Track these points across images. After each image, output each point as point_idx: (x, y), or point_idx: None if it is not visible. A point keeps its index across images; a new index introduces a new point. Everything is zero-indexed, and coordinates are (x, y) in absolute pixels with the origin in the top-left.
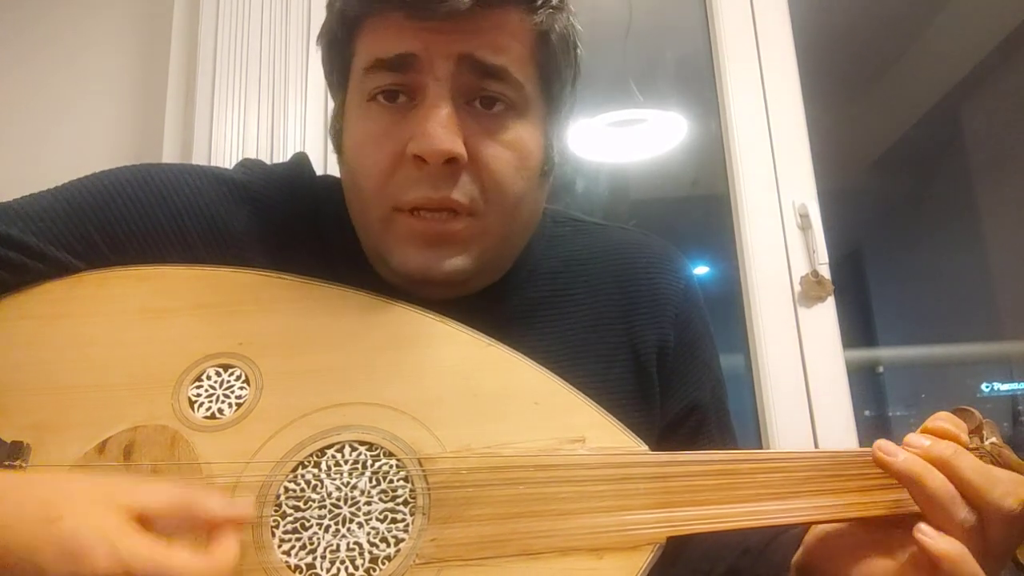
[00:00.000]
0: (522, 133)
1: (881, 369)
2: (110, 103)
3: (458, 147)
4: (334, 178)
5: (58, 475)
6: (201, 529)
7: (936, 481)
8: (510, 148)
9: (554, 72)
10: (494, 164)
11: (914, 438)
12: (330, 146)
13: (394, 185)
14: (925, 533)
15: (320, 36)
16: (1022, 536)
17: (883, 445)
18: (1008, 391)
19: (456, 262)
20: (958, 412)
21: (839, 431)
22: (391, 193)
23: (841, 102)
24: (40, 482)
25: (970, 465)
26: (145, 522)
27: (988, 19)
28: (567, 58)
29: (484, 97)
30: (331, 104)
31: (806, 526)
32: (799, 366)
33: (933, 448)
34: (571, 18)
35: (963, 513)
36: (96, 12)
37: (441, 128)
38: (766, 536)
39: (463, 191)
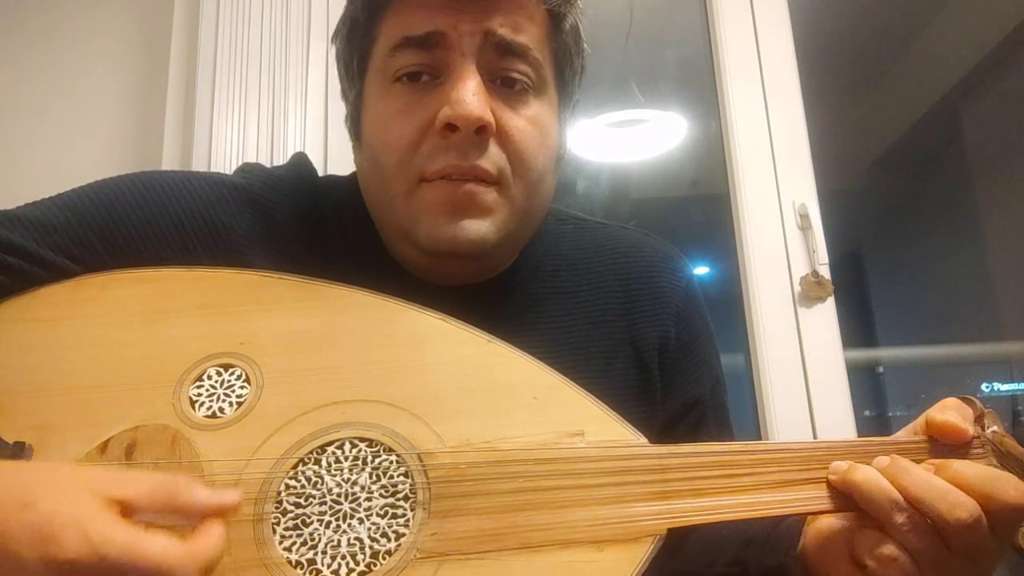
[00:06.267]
0: (541, 112)
1: (881, 369)
2: (110, 105)
3: (488, 115)
4: (336, 177)
5: (45, 463)
6: (185, 519)
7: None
8: (532, 123)
9: (566, 59)
10: (519, 135)
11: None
12: (330, 147)
13: (420, 156)
14: (867, 536)
15: (337, 28)
16: (986, 541)
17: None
18: (1008, 391)
19: (481, 227)
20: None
21: (839, 431)
22: (417, 164)
23: (841, 102)
24: (23, 469)
25: (914, 481)
26: (126, 511)
27: (988, 19)
28: (577, 47)
29: (504, 77)
30: (331, 105)
31: (802, 516)
32: (799, 366)
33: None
34: (580, 12)
35: (900, 518)
36: (96, 14)
37: (472, 95)
38: (767, 526)
39: (491, 160)
